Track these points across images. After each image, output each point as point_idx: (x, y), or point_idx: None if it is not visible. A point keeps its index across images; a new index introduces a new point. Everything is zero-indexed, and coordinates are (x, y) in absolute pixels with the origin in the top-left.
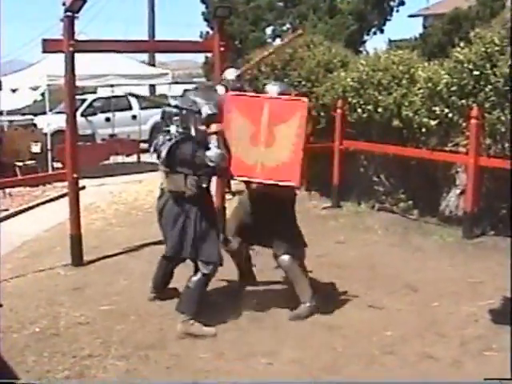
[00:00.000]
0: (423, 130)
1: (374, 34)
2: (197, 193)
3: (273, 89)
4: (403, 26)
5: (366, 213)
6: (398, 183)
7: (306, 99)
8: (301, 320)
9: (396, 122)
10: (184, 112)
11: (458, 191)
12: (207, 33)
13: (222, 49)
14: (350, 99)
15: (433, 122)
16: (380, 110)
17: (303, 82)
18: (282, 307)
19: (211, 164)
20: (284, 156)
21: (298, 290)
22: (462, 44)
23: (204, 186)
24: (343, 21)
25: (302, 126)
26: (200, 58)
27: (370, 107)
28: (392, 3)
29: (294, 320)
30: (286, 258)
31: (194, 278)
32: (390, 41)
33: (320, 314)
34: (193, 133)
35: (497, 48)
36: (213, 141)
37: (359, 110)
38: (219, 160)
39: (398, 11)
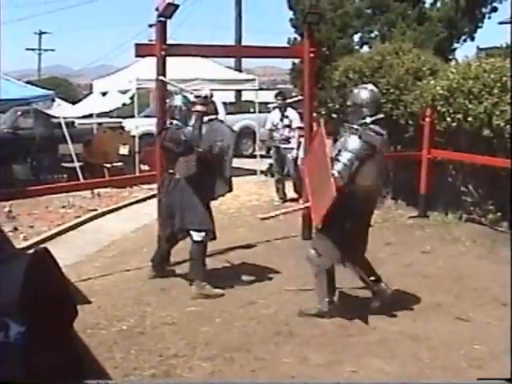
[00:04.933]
0: None
1: (465, 41)
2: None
3: None
4: (494, 33)
5: (454, 223)
6: (486, 194)
7: None
8: None
9: (486, 132)
10: None
11: None
12: (295, 39)
13: (312, 55)
14: (439, 108)
15: None
16: (470, 118)
17: (391, 90)
18: (368, 314)
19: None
20: None
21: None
22: None
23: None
24: (432, 28)
25: None
26: (285, 64)
27: (459, 116)
28: (484, 10)
29: None
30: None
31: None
32: (480, 49)
33: (406, 324)
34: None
35: None
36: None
37: (448, 119)
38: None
39: (489, 18)
